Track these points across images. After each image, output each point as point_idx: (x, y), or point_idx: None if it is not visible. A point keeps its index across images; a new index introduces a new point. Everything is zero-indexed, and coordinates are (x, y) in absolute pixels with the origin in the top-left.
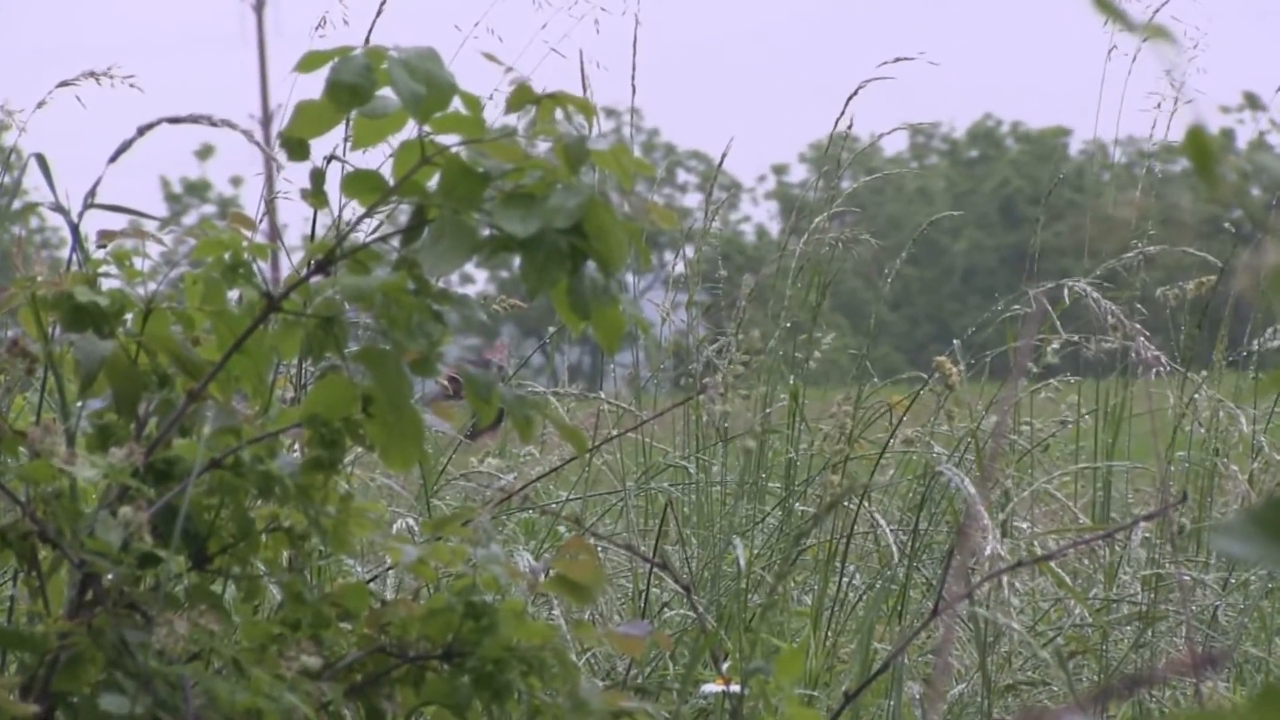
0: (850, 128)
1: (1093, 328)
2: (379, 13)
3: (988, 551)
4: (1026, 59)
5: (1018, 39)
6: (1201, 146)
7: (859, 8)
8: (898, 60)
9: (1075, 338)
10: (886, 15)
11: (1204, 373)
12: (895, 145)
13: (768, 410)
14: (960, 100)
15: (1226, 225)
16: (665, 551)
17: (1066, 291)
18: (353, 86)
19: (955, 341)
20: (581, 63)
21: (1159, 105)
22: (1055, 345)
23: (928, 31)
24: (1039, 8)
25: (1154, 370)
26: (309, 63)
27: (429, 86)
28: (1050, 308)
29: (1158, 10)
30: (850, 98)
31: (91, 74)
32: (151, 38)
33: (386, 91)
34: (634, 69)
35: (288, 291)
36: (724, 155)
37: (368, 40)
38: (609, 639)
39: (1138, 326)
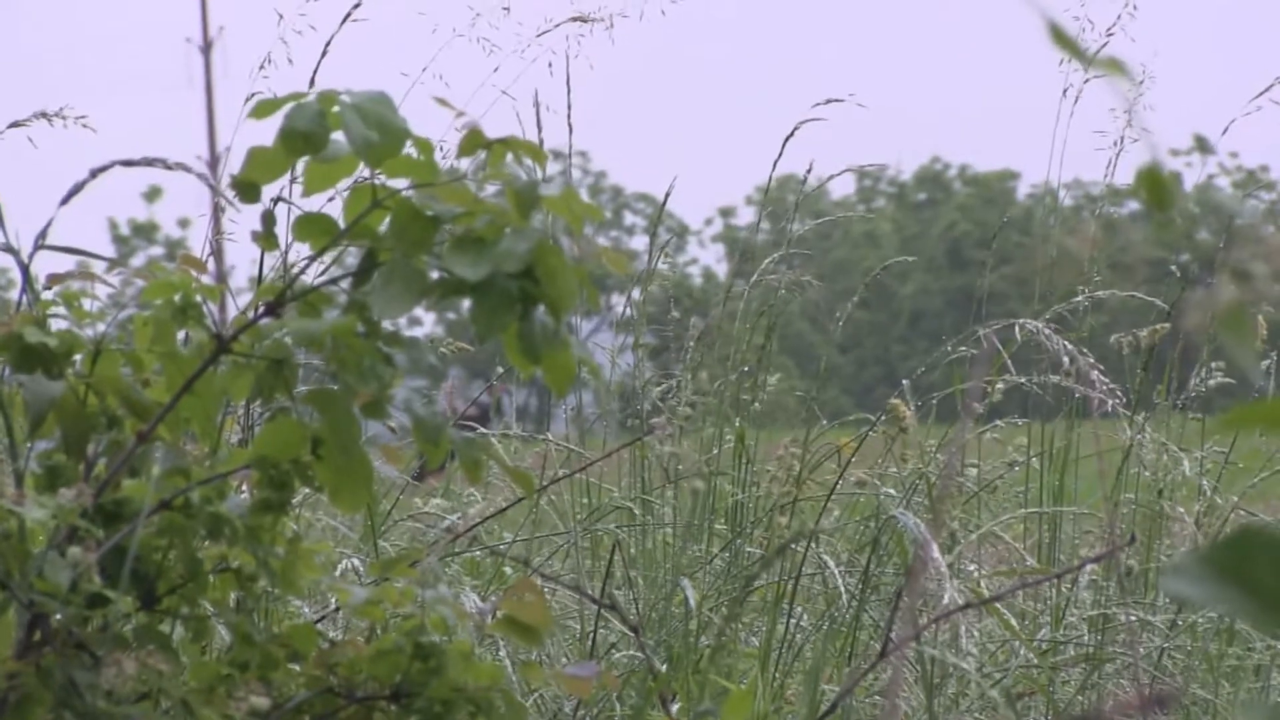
0: (809, 172)
1: (1040, 370)
2: (324, 54)
3: (945, 599)
4: (976, 101)
5: (967, 80)
6: (1155, 181)
7: (812, 50)
8: (829, 102)
9: (1024, 378)
10: (838, 59)
11: (1145, 414)
12: (842, 188)
13: (715, 451)
14: (908, 142)
15: (1173, 269)
16: (613, 593)
17: (1017, 330)
18: (306, 134)
19: (904, 382)
20: (537, 108)
21: (1114, 144)
22: (1001, 385)
23: (878, 72)
24: (987, 48)
25: (1109, 405)
26: (262, 110)
27: (381, 132)
28: (1000, 348)
29: (1105, 43)
30: (786, 139)
31: (43, 114)
32: (96, 78)
33: (338, 135)
34: (569, 108)
35: (238, 333)
36: (667, 195)
37: (312, 83)
38: (557, 680)
39: (1092, 361)
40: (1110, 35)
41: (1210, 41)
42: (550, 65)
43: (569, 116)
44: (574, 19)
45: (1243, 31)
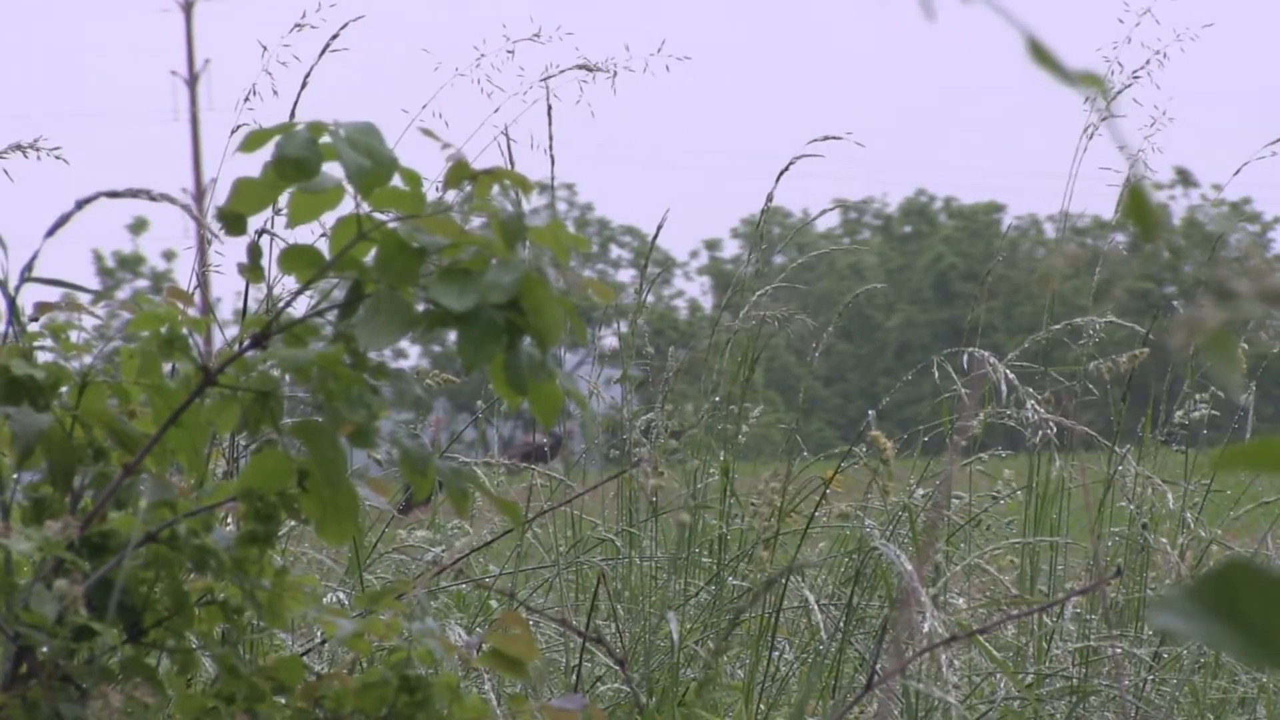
0: (770, 202)
1: (1018, 402)
2: (304, 85)
3: (925, 628)
4: (960, 134)
5: (954, 114)
6: (1140, 203)
7: (794, 83)
8: (826, 139)
9: (1007, 413)
10: (822, 90)
11: (1128, 447)
12: (827, 221)
13: (700, 485)
14: (893, 175)
15: (1160, 301)
16: (598, 626)
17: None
18: (298, 160)
19: (870, 412)
20: (507, 139)
21: (1120, 180)
22: (978, 420)
23: (861, 106)
24: (977, 82)
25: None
26: (252, 141)
27: (372, 160)
28: (988, 376)
29: (1120, 91)
30: (780, 174)
31: (18, 146)
32: (82, 110)
33: (325, 166)
34: (550, 139)
35: (224, 365)
36: (659, 229)
37: (293, 114)
38: (543, 713)
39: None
40: (1136, 78)
41: (1205, 84)
42: (550, 107)
43: (550, 148)
44: (580, 67)
45: (1237, 75)
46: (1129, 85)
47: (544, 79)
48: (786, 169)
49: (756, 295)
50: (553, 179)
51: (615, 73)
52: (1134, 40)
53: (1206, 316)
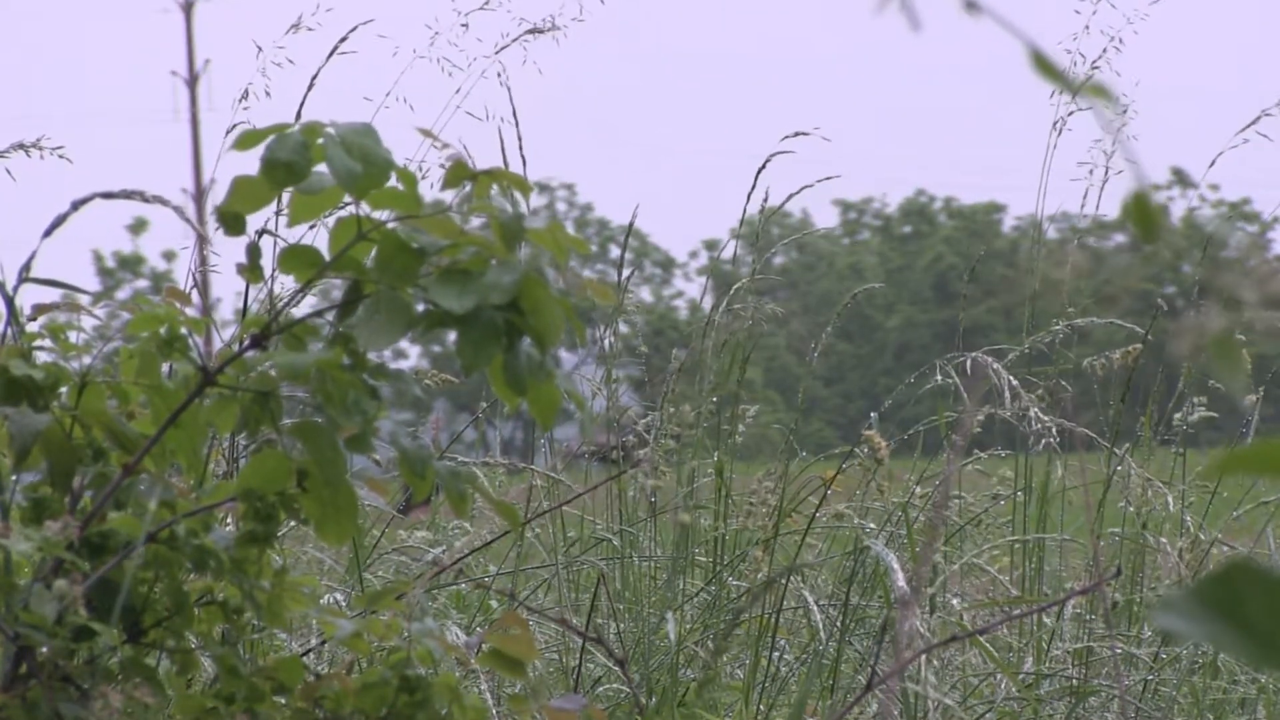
0: (765, 201)
1: (1019, 403)
2: (310, 87)
3: (905, 626)
4: (960, 134)
5: (953, 113)
6: (1142, 209)
7: (798, 79)
8: (796, 134)
9: (1006, 411)
10: (824, 90)
11: (1127, 446)
12: (827, 221)
13: (696, 484)
14: (893, 175)
15: (1159, 302)
16: (598, 626)
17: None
18: (289, 164)
19: (873, 415)
20: (501, 141)
21: (1098, 173)
22: (977, 419)
23: (862, 105)
24: (970, 82)
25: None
26: (245, 141)
27: (365, 164)
28: (986, 377)
29: (1090, 74)
30: (758, 172)
31: (20, 145)
32: (84, 110)
33: (323, 167)
34: (516, 120)
35: (223, 366)
36: (631, 222)
37: (298, 116)
38: (543, 713)
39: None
40: (1095, 68)
41: (1188, 75)
42: (509, 89)
43: (516, 127)
44: (530, 31)
45: (1222, 65)
46: (1090, 76)
47: (498, 50)
48: (763, 167)
49: (735, 288)
50: (559, 181)
51: (556, 26)
52: (1093, 29)
53: (1210, 320)
